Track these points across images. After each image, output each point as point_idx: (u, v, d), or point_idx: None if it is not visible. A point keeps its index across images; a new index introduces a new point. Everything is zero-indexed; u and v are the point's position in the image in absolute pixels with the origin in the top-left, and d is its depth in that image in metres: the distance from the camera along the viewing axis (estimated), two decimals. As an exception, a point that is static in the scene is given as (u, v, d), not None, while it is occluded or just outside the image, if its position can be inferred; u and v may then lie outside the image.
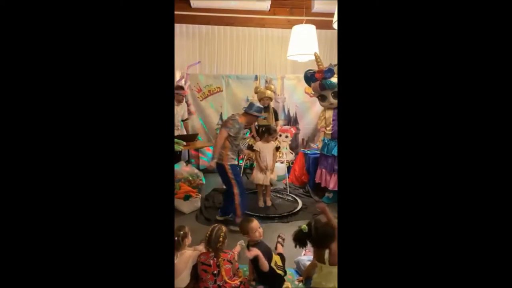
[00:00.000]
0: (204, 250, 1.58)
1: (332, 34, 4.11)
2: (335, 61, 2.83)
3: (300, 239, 1.43)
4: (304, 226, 1.41)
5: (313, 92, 3.04)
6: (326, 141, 2.90)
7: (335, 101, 2.72)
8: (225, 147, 2.31)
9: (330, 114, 2.83)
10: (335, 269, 1.36)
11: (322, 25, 3.53)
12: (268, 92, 2.87)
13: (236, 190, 2.34)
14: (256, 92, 2.97)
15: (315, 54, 2.78)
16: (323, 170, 2.94)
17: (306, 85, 3.95)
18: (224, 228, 1.54)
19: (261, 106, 2.49)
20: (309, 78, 2.85)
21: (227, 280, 1.45)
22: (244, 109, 2.47)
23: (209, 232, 1.51)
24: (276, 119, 3.02)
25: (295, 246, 1.46)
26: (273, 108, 3.04)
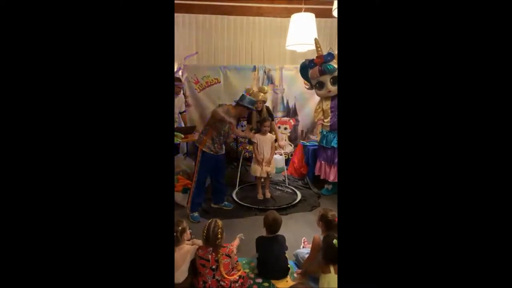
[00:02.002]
0: (202, 244, 1.57)
1: (332, 23, 4.02)
2: (334, 49, 2.78)
3: (331, 255, 1.36)
4: (336, 241, 1.35)
5: (310, 81, 2.96)
6: (324, 133, 2.87)
7: (333, 88, 2.67)
8: (208, 133, 2.29)
9: (327, 105, 2.79)
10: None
11: (321, 13, 3.44)
12: (261, 95, 2.79)
13: (194, 178, 2.37)
14: (248, 94, 2.91)
15: (315, 40, 2.72)
16: (323, 162, 2.91)
17: (305, 75, 3.91)
18: (220, 223, 1.52)
19: (253, 98, 2.47)
20: (307, 65, 2.79)
21: (225, 276, 1.44)
22: (235, 100, 2.46)
23: (206, 230, 1.49)
24: (272, 119, 2.95)
25: (326, 263, 1.41)
26: (267, 107, 2.97)
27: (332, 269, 1.36)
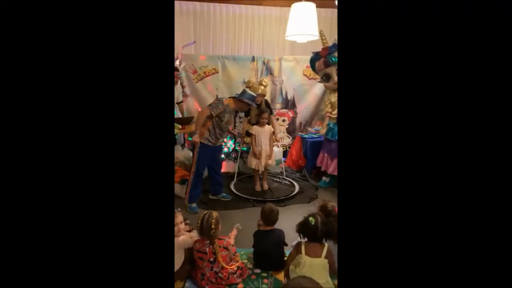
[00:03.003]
0: (198, 236, 1.56)
1: (333, 13, 3.95)
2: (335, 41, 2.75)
3: (305, 231, 1.45)
4: (312, 218, 1.43)
5: (315, 73, 2.94)
6: (331, 126, 2.85)
7: None
8: (205, 125, 2.30)
9: (335, 97, 2.77)
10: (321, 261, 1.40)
11: (322, 3, 3.37)
12: (262, 89, 2.75)
13: (193, 169, 2.37)
14: (248, 87, 2.86)
15: (320, 32, 2.69)
16: (325, 154, 2.91)
17: (304, 67, 3.85)
18: (215, 214, 1.52)
19: (254, 94, 2.44)
20: (314, 58, 2.77)
21: (225, 265, 1.44)
22: (236, 95, 2.44)
23: (200, 221, 1.49)
24: (270, 113, 2.93)
25: (299, 237, 1.50)
26: (265, 100, 2.94)
27: (303, 248, 1.42)
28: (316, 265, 1.38)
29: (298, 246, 1.46)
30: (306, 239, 1.48)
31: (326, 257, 1.41)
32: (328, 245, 1.45)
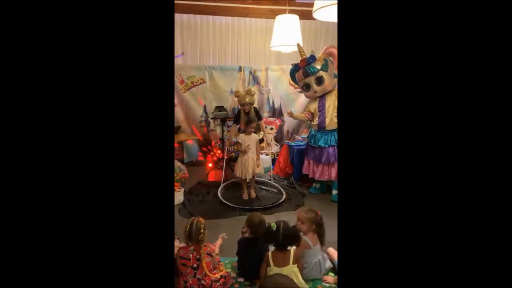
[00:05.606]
0: (181, 245, 1.56)
1: (316, 24, 4.08)
2: (319, 51, 2.84)
3: (267, 235, 1.51)
4: (274, 224, 1.49)
5: (297, 85, 3.04)
6: (313, 133, 2.92)
7: (318, 88, 2.74)
8: None
9: (315, 106, 2.85)
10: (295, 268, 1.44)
11: (305, 15, 3.48)
12: (248, 98, 2.81)
13: None
14: (236, 97, 2.91)
15: (298, 45, 2.78)
16: (311, 161, 2.95)
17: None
18: (203, 220, 1.53)
19: None
20: (294, 69, 2.86)
21: (208, 273, 1.44)
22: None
23: (188, 226, 1.50)
24: (260, 118, 2.96)
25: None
26: (254, 107, 2.98)
27: (270, 260, 1.44)
28: (286, 274, 1.38)
29: (266, 258, 1.47)
30: (273, 249, 1.51)
31: (294, 263, 1.42)
32: (293, 250, 1.47)
